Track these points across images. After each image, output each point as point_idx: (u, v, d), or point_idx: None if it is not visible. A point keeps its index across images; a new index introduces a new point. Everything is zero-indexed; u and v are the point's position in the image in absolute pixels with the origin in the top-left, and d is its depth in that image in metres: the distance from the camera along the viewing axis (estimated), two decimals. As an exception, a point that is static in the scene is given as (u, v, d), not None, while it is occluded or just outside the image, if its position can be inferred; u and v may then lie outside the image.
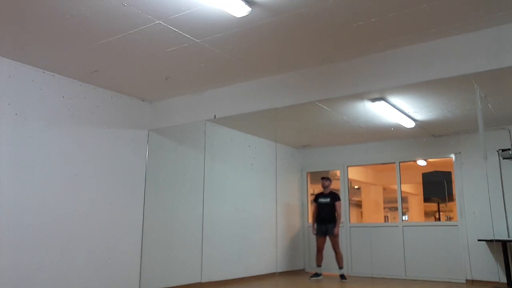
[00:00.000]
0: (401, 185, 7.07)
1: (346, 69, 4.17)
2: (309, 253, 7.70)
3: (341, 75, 4.22)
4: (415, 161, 7.12)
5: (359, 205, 9.45)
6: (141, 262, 5.17)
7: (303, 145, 7.79)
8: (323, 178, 7.03)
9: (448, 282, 6.17)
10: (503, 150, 5.66)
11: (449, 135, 6.38)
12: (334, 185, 7.28)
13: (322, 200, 6.94)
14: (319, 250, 6.87)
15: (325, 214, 6.83)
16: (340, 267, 6.69)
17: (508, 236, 5.65)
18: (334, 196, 6.89)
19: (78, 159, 4.63)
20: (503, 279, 5.62)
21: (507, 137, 5.69)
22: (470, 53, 3.57)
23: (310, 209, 7.90)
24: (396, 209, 7.26)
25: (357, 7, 3.16)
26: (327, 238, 6.82)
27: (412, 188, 9.17)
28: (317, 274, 6.84)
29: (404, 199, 7.64)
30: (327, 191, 6.94)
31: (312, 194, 8.06)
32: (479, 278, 5.95)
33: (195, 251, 5.78)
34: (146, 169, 5.39)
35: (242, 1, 3.06)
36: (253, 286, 6.12)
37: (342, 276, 6.65)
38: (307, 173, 8.08)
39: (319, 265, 6.85)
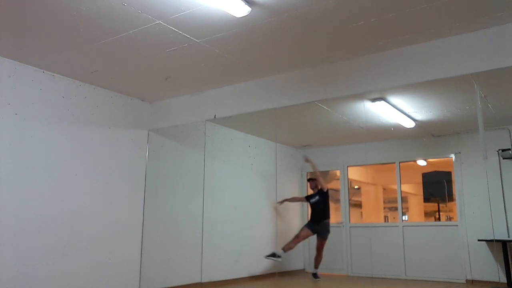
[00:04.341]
0: (401, 185, 7.07)
1: (346, 69, 4.17)
2: (309, 253, 7.69)
3: (341, 75, 4.22)
4: (415, 161, 7.12)
5: (359, 205, 9.45)
6: (141, 262, 5.17)
7: (303, 145, 7.79)
8: (309, 180, 6.99)
9: (448, 282, 6.17)
10: (503, 150, 5.66)
11: (449, 135, 6.38)
12: (334, 185, 7.28)
13: (312, 200, 6.84)
14: (298, 237, 6.67)
15: (318, 213, 6.71)
16: (316, 268, 6.67)
17: (508, 236, 5.65)
18: (321, 192, 6.74)
19: (78, 159, 4.63)
20: (503, 279, 5.62)
21: (507, 137, 5.69)
22: (470, 53, 3.57)
23: (309, 209, 7.90)
24: (396, 209, 7.25)
25: (357, 7, 3.16)
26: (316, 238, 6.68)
27: (412, 188, 9.17)
28: (275, 255, 6.47)
29: (404, 199, 7.63)
30: (316, 190, 6.83)
31: (311, 195, 8.06)
32: (479, 278, 5.94)
33: (195, 251, 5.78)
34: (146, 169, 5.39)
35: (242, 1, 3.06)
36: (253, 286, 6.12)
37: (315, 275, 6.65)
38: (307, 173, 8.08)
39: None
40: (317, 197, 6.76)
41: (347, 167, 7.68)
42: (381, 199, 9.44)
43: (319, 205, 6.72)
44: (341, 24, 3.43)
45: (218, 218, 6.16)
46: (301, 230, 6.75)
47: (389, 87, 4.04)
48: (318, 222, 6.66)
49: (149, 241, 5.26)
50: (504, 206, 5.69)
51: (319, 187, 6.75)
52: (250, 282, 6.41)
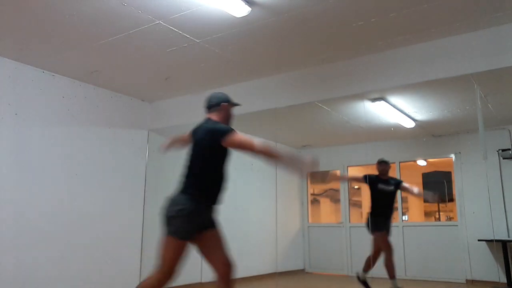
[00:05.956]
0: (401, 185, 7.05)
1: (346, 69, 4.17)
2: (309, 253, 7.69)
3: (341, 75, 4.22)
4: (415, 161, 7.11)
5: (359, 205, 9.44)
6: (141, 262, 5.17)
7: (303, 145, 7.79)
8: (381, 162, 5.30)
9: (448, 282, 6.17)
10: (503, 150, 5.66)
11: (449, 135, 6.38)
12: (334, 185, 7.26)
13: (384, 187, 5.21)
14: (377, 251, 5.30)
15: (391, 205, 5.33)
16: (394, 277, 5.13)
17: (508, 236, 5.65)
18: (397, 182, 5.40)
19: (78, 159, 4.63)
20: (503, 279, 5.62)
21: (507, 137, 5.69)
22: (470, 53, 3.57)
23: (311, 208, 7.89)
24: (396, 209, 7.25)
25: (357, 7, 3.16)
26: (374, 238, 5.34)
27: (412, 188, 9.15)
28: (366, 284, 5.37)
29: (404, 199, 7.63)
30: (386, 177, 5.30)
31: (312, 194, 8.05)
32: (479, 278, 5.94)
33: (195, 251, 5.76)
34: (146, 169, 5.38)
35: (242, 1, 3.06)
36: (253, 286, 6.12)
37: None
38: (307, 173, 8.07)
39: (366, 270, 5.37)
40: (392, 187, 5.28)
41: (347, 167, 7.67)
42: (381, 199, 9.42)
43: (394, 197, 5.34)
44: (341, 24, 3.43)
45: (218, 218, 6.15)
46: (381, 237, 5.16)
47: (389, 87, 4.03)
48: (389, 217, 5.29)
49: (149, 241, 5.26)
50: (504, 206, 5.69)
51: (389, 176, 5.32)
52: (250, 282, 6.41)
